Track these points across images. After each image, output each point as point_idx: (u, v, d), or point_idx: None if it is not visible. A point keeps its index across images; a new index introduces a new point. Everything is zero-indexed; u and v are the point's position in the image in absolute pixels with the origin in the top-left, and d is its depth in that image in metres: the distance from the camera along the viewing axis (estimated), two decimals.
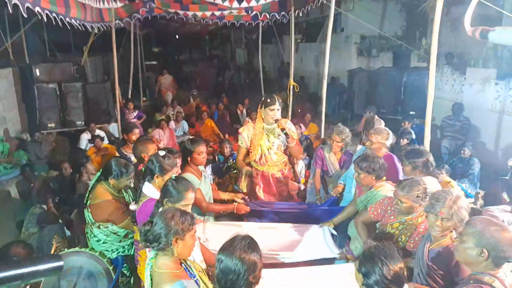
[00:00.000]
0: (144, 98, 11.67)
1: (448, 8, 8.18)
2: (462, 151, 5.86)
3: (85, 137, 7.12)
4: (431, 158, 3.04)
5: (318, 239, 3.20)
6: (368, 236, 2.66)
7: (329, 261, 3.56)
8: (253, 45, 16.61)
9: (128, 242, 3.01)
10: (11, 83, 7.60)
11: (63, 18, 5.44)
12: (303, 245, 3.06)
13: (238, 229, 3.23)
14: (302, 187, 5.15)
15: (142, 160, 3.28)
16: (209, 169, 5.33)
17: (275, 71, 17.15)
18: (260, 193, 3.86)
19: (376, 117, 7.36)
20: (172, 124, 8.29)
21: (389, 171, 3.14)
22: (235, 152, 6.21)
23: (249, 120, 8.81)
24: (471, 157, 5.80)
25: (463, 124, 7.09)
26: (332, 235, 3.23)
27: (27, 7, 3.61)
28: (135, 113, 8.44)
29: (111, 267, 2.93)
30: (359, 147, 6.15)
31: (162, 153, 2.80)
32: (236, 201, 3.38)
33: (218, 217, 3.68)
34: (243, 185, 3.86)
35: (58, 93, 7.25)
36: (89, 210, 2.93)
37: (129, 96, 9.79)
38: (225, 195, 3.56)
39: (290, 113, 7.47)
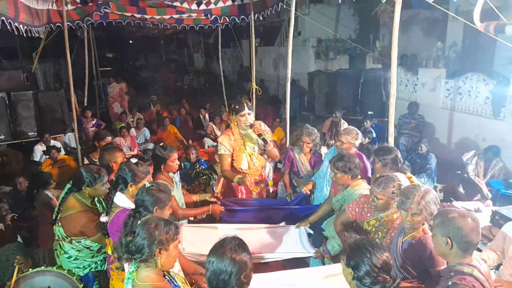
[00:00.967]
0: (101, 106, 11.21)
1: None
2: (420, 147, 6.15)
3: (39, 148, 6.74)
4: (399, 155, 3.16)
5: (294, 239, 3.24)
6: (349, 236, 2.70)
7: (304, 261, 3.62)
8: (210, 49, 16.53)
9: (101, 257, 2.85)
10: None
11: (11, 22, 5.10)
12: (281, 245, 3.09)
13: (214, 231, 3.18)
14: (271, 189, 5.17)
15: (111, 169, 3.12)
16: (177, 176, 5.21)
17: (234, 75, 17.18)
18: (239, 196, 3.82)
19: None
20: (133, 131, 8.02)
21: None
22: (201, 158, 6.14)
23: (213, 125, 8.76)
24: (428, 153, 6.10)
25: (419, 122, 7.48)
26: (308, 234, 3.27)
27: None
28: (93, 122, 8.08)
29: (81, 286, 2.76)
30: (324, 148, 6.29)
31: (134, 160, 2.69)
32: (210, 202, 3.32)
33: (192, 221, 3.60)
34: (218, 189, 3.78)
35: (7, 102, 6.78)
36: (60, 224, 2.74)
37: (85, 104, 9.35)
38: (196, 197, 3.50)
39: (253, 117, 7.45)
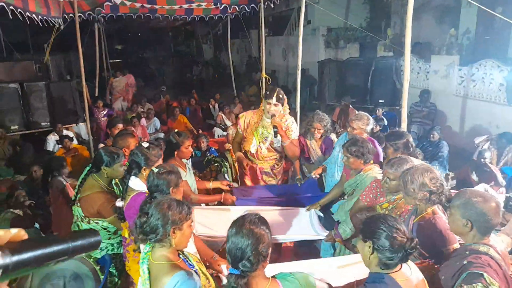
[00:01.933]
0: (110, 97, 11.27)
1: None
2: (432, 135, 6.08)
3: (52, 138, 6.84)
4: (411, 139, 3.14)
5: (305, 221, 3.27)
6: (362, 216, 2.71)
7: (314, 245, 3.63)
8: (219, 40, 16.48)
9: (117, 240, 2.90)
10: None
11: (22, 12, 5.14)
12: (292, 227, 3.13)
13: (227, 213, 3.21)
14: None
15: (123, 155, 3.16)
16: (189, 162, 5.24)
17: (243, 66, 17.13)
18: (248, 182, 3.85)
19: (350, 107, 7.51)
20: (144, 121, 8.07)
21: None
22: (211, 147, 6.16)
23: (223, 114, 8.77)
24: (440, 140, 6.03)
25: (430, 110, 7.39)
26: (319, 217, 3.29)
27: None
28: (104, 112, 8.16)
29: (98, 267, 2.82)
30: (333, 135, 6.26)
31: (145, 144, 2.72)
32: (222, 190, 3.37)
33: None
34: (232, 172, 3.83)
35: (20, 93, 6.88)
36: (79, 204, 2.80)
37: (96, 95, 9.42)
38: (209, 184, 3.55)
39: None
